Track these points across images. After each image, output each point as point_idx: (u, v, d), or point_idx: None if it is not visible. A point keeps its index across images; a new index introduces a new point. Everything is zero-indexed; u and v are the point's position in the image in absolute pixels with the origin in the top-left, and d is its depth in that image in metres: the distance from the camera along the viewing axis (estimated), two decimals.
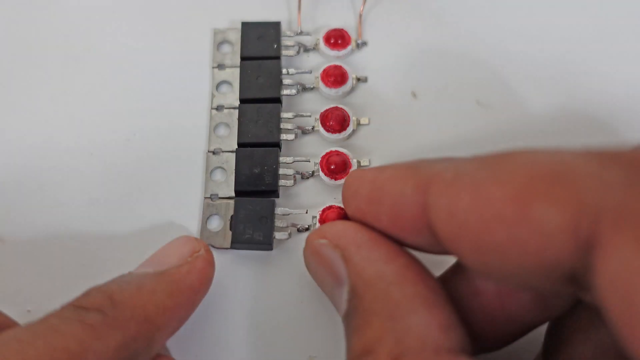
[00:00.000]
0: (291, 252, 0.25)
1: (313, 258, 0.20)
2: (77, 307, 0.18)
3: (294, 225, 0.25)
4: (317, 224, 0.25)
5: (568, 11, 0.29)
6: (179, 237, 0.23)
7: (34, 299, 0.24)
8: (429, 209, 0.16)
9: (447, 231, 0.16)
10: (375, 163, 0.26)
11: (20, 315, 0.24)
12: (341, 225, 0.19)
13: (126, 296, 0.19)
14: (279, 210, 0.25)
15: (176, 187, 0.26)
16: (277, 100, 0.26)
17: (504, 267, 0.15)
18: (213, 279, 0.22)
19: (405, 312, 0.16)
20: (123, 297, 0.19)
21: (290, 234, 0.25)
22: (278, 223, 0.25)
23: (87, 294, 0.19)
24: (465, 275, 0.18)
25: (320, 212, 0.25)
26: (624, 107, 0.27)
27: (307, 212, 0.25)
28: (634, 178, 0.13)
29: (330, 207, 0.25)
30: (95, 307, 0.18)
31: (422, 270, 0.18)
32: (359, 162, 0.26)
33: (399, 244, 0.18)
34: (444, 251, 0.17)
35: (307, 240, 0.20)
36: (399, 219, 0.17)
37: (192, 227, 0.25)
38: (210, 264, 0.22)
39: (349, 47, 0.28)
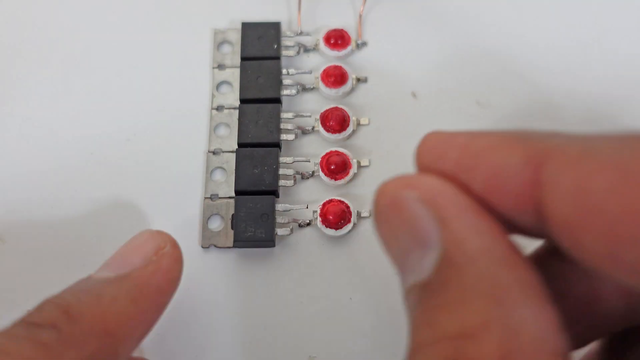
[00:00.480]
0: (293, 248, 0.25)
1: (391, 211, 0.16)
2: (29, 323, 0.17)
3: (295, 220, 0.25)
4: (319, 219, 0.25)
5: (568, 12, 0.29)
6: (142, 232, 0.20)
7: (34, 299, 0.24)
8: (544, 186, 0.14)
9: (567, 216, 0.13)
10: (376, 163, 0.26)
11: (20, 315, 0.24)
12: (436, 180, 0.15)
13: (84, 308, 0.17)
14: (279, 207, 0.25)
15: (176, 187, 0.26)
16: (277, 100, 0.27)
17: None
18: (181, 278, 0.20)
19: (518, 301, 0.14)
20: (80, 310, 0.17)
21: (292, 230, 0.25)
22: (279, 219, 0.25)
23: (41, 308, 0.17)
24: (561, 268, 0.16)
25: (320, 207, 0.25)
26: (624, 107, 0.27)
27: (307, 208, 0.25)
28: None
29: (330, 201, 0.25)
30: (50, 323, 0.17)
31: (524, 256, 0.15)
32: (359, 162, 0.26)
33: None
34: (543, 236, 0.15)
35: (386, 190, 0.16)
36: (497, 194, 0.15)
37: (193, 227, 0.25)
38: (177, 260, 0.20)
39: (349, 48, 0.28)
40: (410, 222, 0.15)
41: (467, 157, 0.15)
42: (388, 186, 0.16)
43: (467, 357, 0.13)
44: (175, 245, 0.20)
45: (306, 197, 0.26)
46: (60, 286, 0.24)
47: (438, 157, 0.16)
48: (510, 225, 0.15)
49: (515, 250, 0.15)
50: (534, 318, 0.13)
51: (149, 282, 0.19)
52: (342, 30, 0.28)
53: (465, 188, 0.15)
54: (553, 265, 0.16)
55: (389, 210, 0.16)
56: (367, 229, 0.25)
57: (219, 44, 0.28)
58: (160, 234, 0.20)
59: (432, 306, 0.14)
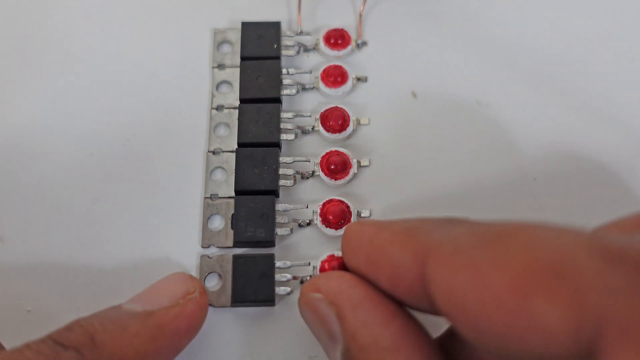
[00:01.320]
0: (293, 247, 0.25)
1: (307, 311, 0.19)
2: (56, 342, 0.18)
3: (295, 220, 0.25)
4: (319, 219, 0.25)
5: (568, 11, 0.29)
6: (175, 274, 0.22)
7: (34, 299, 0.24)
8: (428, 281, 0.16)
9: (446, 306, 0.15)
10: (375, 163, 0.26)
11: (20, 315, 0.24)
12: (337, 280, 0.19)
13: (108, 337, 0.18)
14: (279, 207, 0.25)
15: (176, 187, 0.26)
16: (277, 100, 0.26)
17: (503, 350, 0.15)
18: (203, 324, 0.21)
19: None
20: (104, 338, 0.18)
21: (292, 230, 0.25)
22: (279, 219, 0.25)
23: (70, 328, 0.19)
24: (463, 342, 0.18)
25: (320, 207, 0.25)
26: (624, 105, 0.27)
27: (307, 207, 0.25)
28: (639, 285, 0.13)
29: (330, 201, 0.25)
30: (75, 345, 0.18)
31: (420, 334, 0.17)
32: (359, 162, 0.26)
33: (399, 303, 0.18)
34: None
35: (302, 292, 0.20)
36: (398, 284, 0.17)
37: (193, 227, 0.25)
38: (203, 308, 0.21)
39: (349, 47, 0.28)
40: (321, 321, 0.18)
41: (373, 253, 0.18)
42: (303, 289, 0.19)
43: None
44: (203, 293, 0.21)
45: (306, 197, 0.26)
46: (60, 286, 0.24)
47: (353, 250, 0.19)
48: (416, 308, 0.18)
49: (406, 331, 0.17)
50: None
51: (171, 324, 0.20)
52: (342, 30, 0.28)
53: (373, 278, 0.18)
54: (455, 345, 0.18)
55: (306, 311, 0.19)
56: None
57: (218, 44, 0.28)
58: (192, 279, 0.22)
59: None
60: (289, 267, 0.24)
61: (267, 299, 0.23)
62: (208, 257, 0.24)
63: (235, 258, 0.24)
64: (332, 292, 0.18)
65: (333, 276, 0.19)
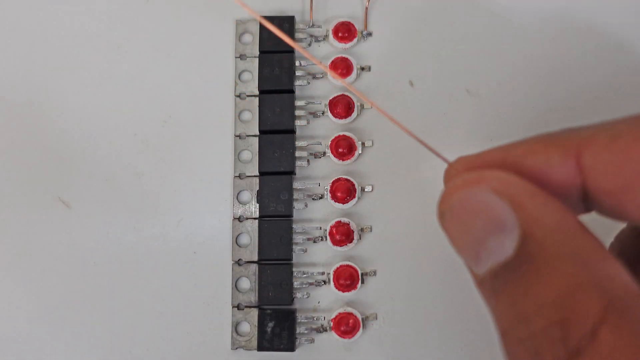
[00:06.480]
0: (307, 218, 0.30)
1: (464, 206, 0.17)
2: None
3: (309, 196, 0.30)
4: (329, 195, 0.30)
5: (556, 4, 0.32)
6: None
7: (97, 261, 0.30)
8: (586, 170, 0.17)
9: (610, 186, 0.17)
10: (378, 145, 0.31)
11: (88, 267, 0.30)
12: (504, 173, 0.17)
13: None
14: (296, 185, 0.30)
15: (209, 166, 0.31)
16: (291, 91, 0.31)
17: None
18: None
19: (598, 260, 0.15)
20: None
21: (306, 205, 0.30)
22: (296, 195, 0.30)
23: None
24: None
25: (330, 184, 0.30)
26: (609, 97, 0.30)
27: (319, 185, 0.30)
28: None
29: (338, 180, 0.30)
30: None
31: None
32: (363, 144, 0.30)
33: None
34: (586, 209, 0.18)
35: (454, 190, 0.18)
36: (545, 185, 0.17)
37: (225, 200, 0.30)
38: None
39: (355, 40, 0.31)
40: (485, 212, 0.17)
41: (509, 169, 0.18)
42: (456, 186, 0.18)
43: (575, 315, 0.15)
44: None
45: (318, 175, 0.31)
46: (112, 242, 0.30)
47: (478, 180, 0.18)
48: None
49: (579, 221, 0.17)
50: (616, 271, 0.15)
51: None
52: (349, 23, 0.31)
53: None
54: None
55: (461, 206, 0.18)
56: (369, 202, 0.30)
57: (240, 35, 0.32)
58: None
59: (522, 280, 0.16)
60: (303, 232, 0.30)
61: (287, 257, 0.29)
62: (239, 220, 0.30)
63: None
64: (502, 183, 0.17)
65: (496, 171, 0.18)
